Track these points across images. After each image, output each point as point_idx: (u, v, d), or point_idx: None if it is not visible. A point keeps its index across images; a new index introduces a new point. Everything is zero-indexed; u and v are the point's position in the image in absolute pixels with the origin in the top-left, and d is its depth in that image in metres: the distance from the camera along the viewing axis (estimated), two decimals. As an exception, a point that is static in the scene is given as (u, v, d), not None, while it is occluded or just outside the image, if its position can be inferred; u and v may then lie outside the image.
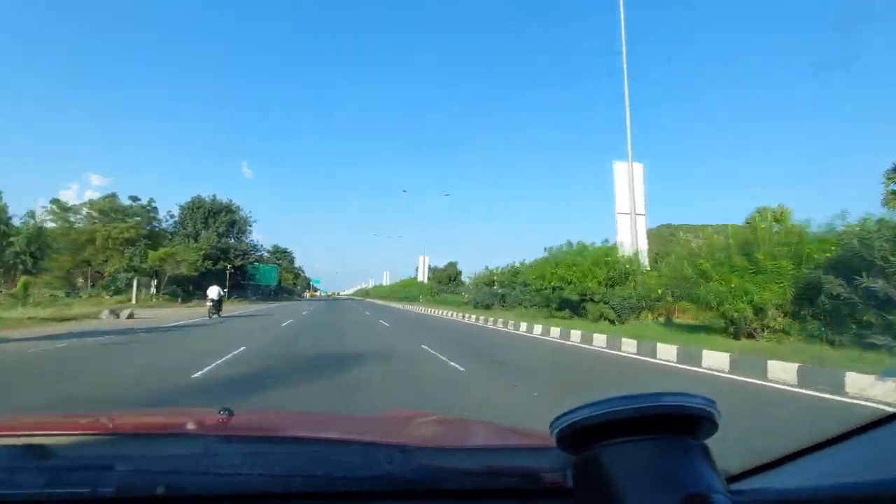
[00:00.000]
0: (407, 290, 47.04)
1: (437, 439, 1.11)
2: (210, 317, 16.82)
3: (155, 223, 42.05)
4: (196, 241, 39.32)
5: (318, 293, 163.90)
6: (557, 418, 0.64)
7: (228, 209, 48.19)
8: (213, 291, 17.98)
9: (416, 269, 67.11)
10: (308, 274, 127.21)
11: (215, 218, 46.68)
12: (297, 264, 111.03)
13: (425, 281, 51.54)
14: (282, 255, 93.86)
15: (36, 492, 0.69)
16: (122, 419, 1.31)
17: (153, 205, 43.90)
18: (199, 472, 0.75)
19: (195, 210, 46.32)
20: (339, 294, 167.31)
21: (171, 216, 45.63)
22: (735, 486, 0.63)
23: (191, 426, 1.16)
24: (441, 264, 78.91)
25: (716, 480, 0.60)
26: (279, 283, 79.73)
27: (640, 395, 0.61)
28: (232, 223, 47.99)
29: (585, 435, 0.64)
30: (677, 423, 0.62)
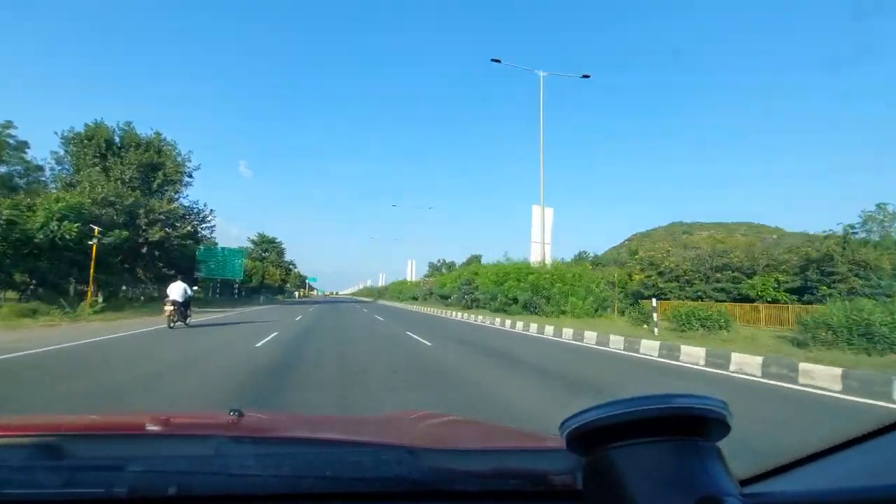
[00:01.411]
0: (511, 285, 22.45)
1: (446, 441, 1.23)
2: (171, 325, 12.64)
3: (27, 172, 24.96)
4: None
5: (314, 292, 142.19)
6: (567, 420, 0.68)
7: (148, 146, 20.11)
8: (176, 290, 12.99)
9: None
10: (303, 272, 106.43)
11: (120, 157, 18.05)
12: (288, 257, 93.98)
13: (547, 258, 25.06)
14: (268, 246, 67.95)
15: (51, 491, 0.77)
16: (135, 420, 1.49)
17: (11, 134, 23.85)
18: (210, 472, 0.84)
19: (85, 144, 17.02)
20: (337, 294, 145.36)
21: (60, 163, 26.82)
22: (747, 490, 0.69)
23: (202, 427, 1.33)
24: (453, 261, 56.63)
25: (728, 483, 0.63)
26: (262, 279, 66.96)
27: (651, 396, 0.64)
28: (152, 168, 19.95)
29: (595, 437, 0.67)
30: (689, 425, 0.65)
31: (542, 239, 22.76)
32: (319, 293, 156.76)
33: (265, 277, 68.67)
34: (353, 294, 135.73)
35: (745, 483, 0.72)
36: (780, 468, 0.73)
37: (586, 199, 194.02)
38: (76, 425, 1.20)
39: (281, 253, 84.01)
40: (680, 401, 0.63)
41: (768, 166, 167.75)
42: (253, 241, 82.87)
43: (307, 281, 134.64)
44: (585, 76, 26.01)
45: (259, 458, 0.87)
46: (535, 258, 22.97)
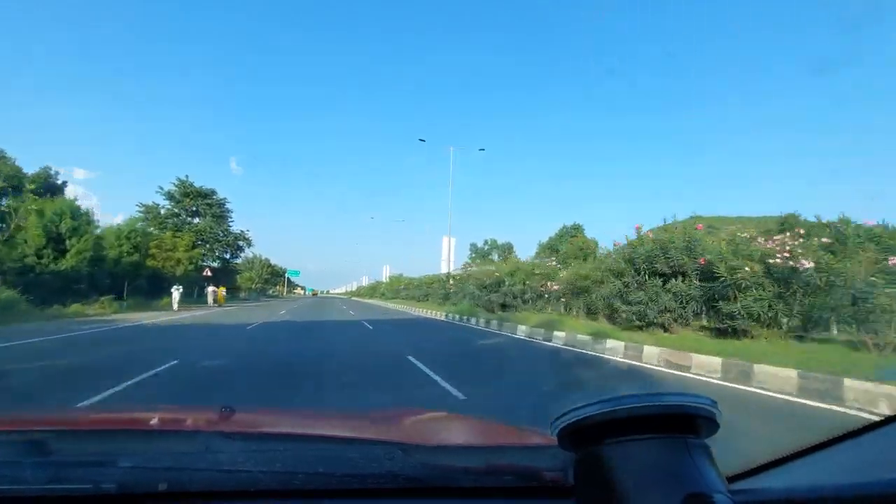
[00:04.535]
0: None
1: (438, 437, 1.24)
2: None
3: None
4: None
5: (298, 290, 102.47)
6: (558, 416, 0.69)
7: None
8: None
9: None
10: (302, 272, 68.67)
11: None
12: (242, 229, 53.40)
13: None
14: (198, 203, 47.15)
15: (39, 487, 0.76)
16: (125, 416, 1.47)
17: None
18: (200, 468, 0.82)
19: None
20: (327, 293, 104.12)
21: None
22: (735, 486, 0.71)
23: (192, 423, 1.27)
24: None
25: (717, 480, 0.65)
26: (138, 258, 28.76)
27: (642, 394, 0.65)
28: None
29: (586, 433, 0.68)
30: (678, 423, 0.67)
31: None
32: (308, 292, 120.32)
33: (149, 256, 31.17)
34: (349, 294, 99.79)
35: (732, 479, 0.72)
36: (768, 464, 0.74)
37: (594, 194, 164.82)
38: (65, 421, 1.18)
39: (222, 217, 46.65)
40: (671, 399, 0.63)
41: (795, 158, 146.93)
42: (169, 195, 44.99)
43: (287, 275, 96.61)
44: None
45: (250, 453, 0.85)
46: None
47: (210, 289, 32.61)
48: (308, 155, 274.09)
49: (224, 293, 34.04)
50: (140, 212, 43.49)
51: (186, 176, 45.36)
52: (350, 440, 1.04)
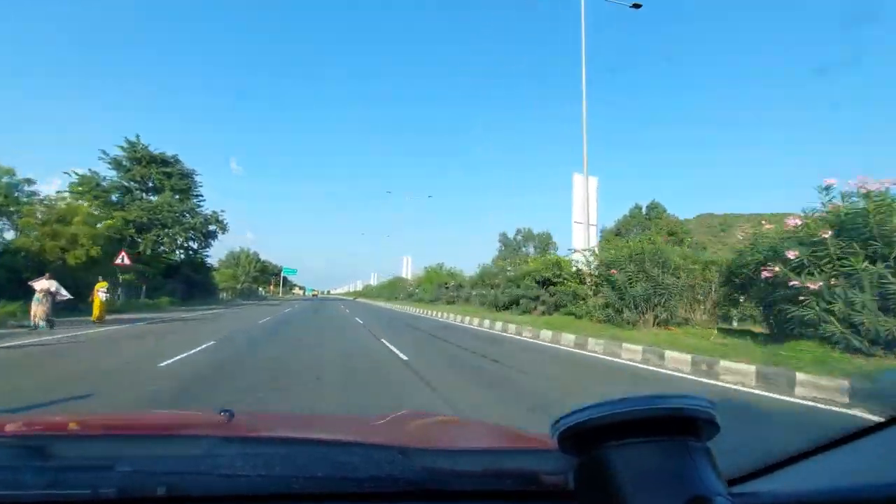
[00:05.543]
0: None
1: (438, 441, 1.22)
2: None
3: None
4: None
5: (297, 290, 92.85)
6: (558, 420, 0.70)
7: None
8: None
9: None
10: (302, 273, 59.31)
11: None
12: (215, 208, 42.78)
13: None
14: (154, 171, 34.43)
15: (37, 492, 0.77)
16: (123, 420, 1.44)
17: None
18: (199, 473, 0.83)
19: None
20: (328, 293, 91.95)
21: None
22: (736, 489, 0.72)
23: (191, 427, 1.29)
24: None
25: (718, 483, 0.65)
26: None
27: (642, 397, 0.66)
28: None
29: (587, 437, 0.69)
30: (679, 426, 0.67)
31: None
32: (307, 292, 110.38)
33: (21, 232, 17.96)
34: (354, 294, 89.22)
35: (733, 482, 0.73)
36: (769, 468, 0.75)
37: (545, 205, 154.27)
38: (63, 425, 1.18)
39: (186, 192, 35.43)
40: (671, 402, 0.64)
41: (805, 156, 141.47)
42: (115, 163, 31.96)
43: (283, 273, 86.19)
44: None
45: (250, 458, 0.85)
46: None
47: (38, 285, 12.17)
48: (309, 151, 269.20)
49: (104, 293, 14.51)
50: (75, 183, 32.21)
51: (138, 136, 32.84)
52: (350, 444, 1.03)
